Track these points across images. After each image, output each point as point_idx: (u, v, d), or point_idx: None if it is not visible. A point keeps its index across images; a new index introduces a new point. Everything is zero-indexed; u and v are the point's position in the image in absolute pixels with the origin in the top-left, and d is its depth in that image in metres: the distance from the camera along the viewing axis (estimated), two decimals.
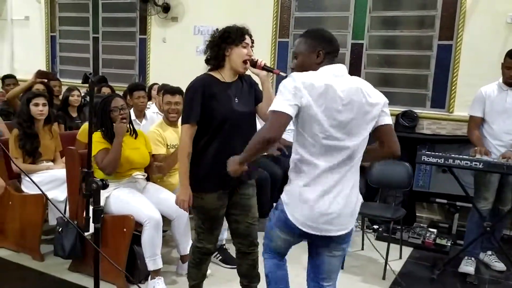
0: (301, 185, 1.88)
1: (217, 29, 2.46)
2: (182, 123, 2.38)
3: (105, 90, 4.88)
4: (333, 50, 1.95)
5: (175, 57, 6.00)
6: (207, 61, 2.46)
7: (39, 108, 3.40)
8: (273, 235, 2.09)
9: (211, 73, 2.43)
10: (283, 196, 1.98)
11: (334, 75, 1.86)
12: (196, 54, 5.87)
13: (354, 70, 4.84)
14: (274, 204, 2.12)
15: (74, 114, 4.72)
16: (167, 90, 3.45)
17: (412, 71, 4.76)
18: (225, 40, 2.36)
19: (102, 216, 1.71)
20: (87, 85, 5.62)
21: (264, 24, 5.28)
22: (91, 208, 1.67)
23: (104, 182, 1.68)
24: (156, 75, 6.04)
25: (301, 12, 5.23)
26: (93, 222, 1.69)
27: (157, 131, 3.40)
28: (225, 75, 2.40)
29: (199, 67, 5.47)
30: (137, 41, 6.41)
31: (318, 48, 1.92)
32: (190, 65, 5.76)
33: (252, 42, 2.42)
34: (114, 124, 2.93)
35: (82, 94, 4.88)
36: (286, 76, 1.87)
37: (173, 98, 3.38)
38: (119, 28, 6.57)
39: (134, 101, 4.27)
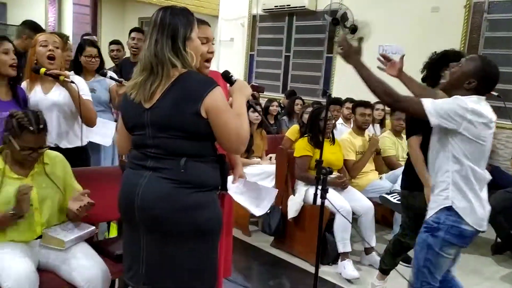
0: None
1: (435, 52, 2.83)
2: (409, 135, 2.73)
3: (298, 102, 5.64)
4: (483, 91, 2.04)
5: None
6: (423, 79, 2.82)
7: (255, 114, 4.24)
8: (440, 262, 2.09)
9: None
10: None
11: None
12: (379, 72, 6.28)
13: None
14: None
15: (272, 121, 5.59)
16: (361, 103, 3.98)
17: None
18: (444, 63, 2.63)
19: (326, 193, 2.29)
20: (282, 97, 6.45)
21: (451, 43, 5.39)
22: (319, 188, 2.25)
23: (330, 169, 2.25)
24: (339, 90, 6.62)
25: (492, 32, 5.24)
26: (320, 198, 2.27)
27: (348, 139, 3.95)
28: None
29: None
30: (323, 59, 7.12)
31: (474, 78, 2.01)
32: None
33: None
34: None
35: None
36: (498, 95, 2.13)
37: (366, 111, 3.90)
38: (308, 47, 7.37)
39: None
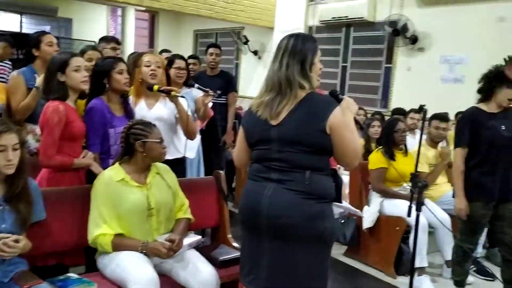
0: None
1: (496, 65, 2.97)
2: (455, 146, 2.96)
3: (360, 113, 5.70)
4: None
5: (418, 84, 6.49)
6: (479, 91, 2.98)
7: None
8: None
9: (478, 105, 2.96)
10: None
11: None
12: (440, 83, 6.27)
13: None
14: None
15: None
16: (438, 116, 3.97)
17: None
18: (498, 79, 2.85)
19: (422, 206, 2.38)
20: None
21: None
22: (413, 202, 2.34)
23: (425, 182, 2.34)
24: (399, 101, 6.62)
25: None
26: (416, 210, 2.35)
27: (421, 151, 3.96)
28: (490, 107, 2.90)
29: (442, 94, 5.91)
30: (382, 70, 7.14)
31: None
32: (433, 92, 6.19)
33: None
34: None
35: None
36: None
37: (442, 124, 3.91)
38: (366, 58, 7.41)
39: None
